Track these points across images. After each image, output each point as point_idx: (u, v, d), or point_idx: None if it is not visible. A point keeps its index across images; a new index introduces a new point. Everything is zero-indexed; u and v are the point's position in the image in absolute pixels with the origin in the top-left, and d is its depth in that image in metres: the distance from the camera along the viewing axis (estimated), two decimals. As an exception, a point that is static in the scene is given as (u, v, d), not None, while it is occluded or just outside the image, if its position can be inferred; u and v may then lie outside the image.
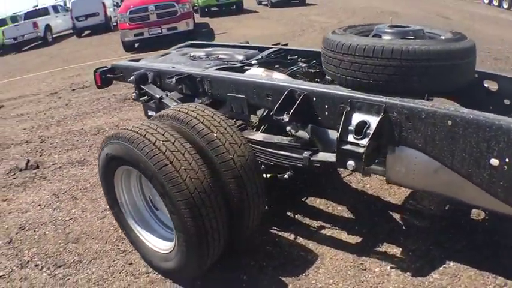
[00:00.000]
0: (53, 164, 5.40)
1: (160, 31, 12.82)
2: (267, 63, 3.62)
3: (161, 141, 2.42)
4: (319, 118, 2.62)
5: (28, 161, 5.51)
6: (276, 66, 3.74)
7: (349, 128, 2.36)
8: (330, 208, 3.51)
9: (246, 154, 2.58)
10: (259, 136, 2.89)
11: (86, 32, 21.68)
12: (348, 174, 3.94)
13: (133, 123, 2.77)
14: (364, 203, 3.55)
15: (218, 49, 4.23)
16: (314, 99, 2.60)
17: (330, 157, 2.49)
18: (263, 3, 22.04)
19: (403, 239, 3.04)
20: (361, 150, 2.26)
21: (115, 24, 18.99)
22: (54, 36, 22.11)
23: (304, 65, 3.58)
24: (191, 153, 2.42)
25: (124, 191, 3.09)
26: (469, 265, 2.74)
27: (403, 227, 3.19)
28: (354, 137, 2.32)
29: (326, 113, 2.57)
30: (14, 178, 5.16)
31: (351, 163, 2.33)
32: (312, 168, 2.67)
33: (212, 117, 2.65)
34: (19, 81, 12.00)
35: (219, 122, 2.63)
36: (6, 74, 13.98)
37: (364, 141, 2.27)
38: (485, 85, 2.94)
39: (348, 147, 2.33)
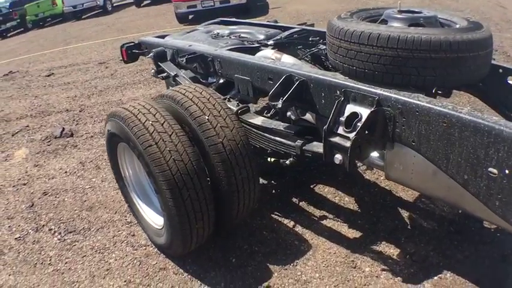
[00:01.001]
0: (86, 133, 5.59)
1: (212, 4, 12.69)
2: (283, 45, 3.52)
3: (150, 122, 2.42)
4: (317, 106, 2.50)
5: (63, 129, 5.73)
6: (299, 47, 3.64)
7: (340, 119, 2.22)
8: (337, 198, 3.41)
9: (237, 138, 2.53)
10: (258, 120, 2.81)
11: (146, 2, 22.00)
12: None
13: (133, 101, 2.78)
14: (374, 196, 3.40)
15: (243, 27, 4.16)
16: (311, 85, 2.47)
17: (320, 148, 2.37)
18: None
19: (404, 239, 2.89)
20: (348, 144, 2.12)
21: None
22: (114, 5, 22.61)
23: (324, 47, 3.43)
24: (178, 135, 2.41)
25: (127, 165, 3.17)
26: (467, 279, 2.55)
27: (408, 227, 3.02)
28: (344, 129, 2.18)
29: (322, 101, 2.44)
30: (48, 145, 5.39)
31: (338, 157, 2.20)
32: (303, 157, 2.57)
33: (208, 99, 2.61)
34: (73, 49, 12.41)
35: (214, 105, 2.58)
36: (63, 41, 14.51)
37: (352, 135, 2.12)
38: (510, 82, 2.65)
39: (336, 139, 2.19)
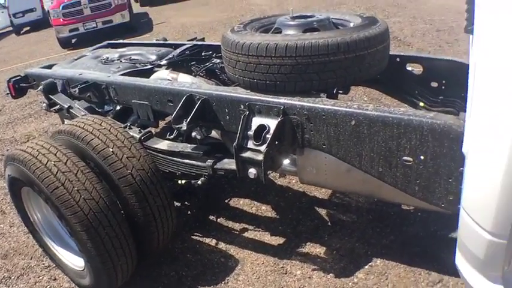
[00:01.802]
0: (-17, 178, 5.11)
1: (95, 25, 12.37)
2: (176, 63, 3.46)
3: (52, 162, 2.28)
4: (222, 123, 2.47)
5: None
6: (193, 63, 3.59)
7: (249, 133, 2.21)
8: (254, 208, 3.42)
9: (145, 167, 2.45)
10: (163, 145, 2.72)
11: (25, 29, 20.76)
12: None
13: (30, 142, 2.58)
14: (289, 199, 3.45)
15: (132, 49, 4.03)
16: (214, 103, 2.44)
17: (232, 164, 2.35)
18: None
19: (327, 236, 2.96)
20: (260, 157, 2.11)
21: (54, 18, 18.19)
22: (-8, 34, 21.12)
23: (218, 60, 3.43)
24: (84, 173, 2.29)
25: (35, 209, 2.97)
26: (399, 261, 2.64)
27: (328, 224, 3.11)
28: (254, 143, 2.18)
29: (227, 117, 2.42)
30: None
31: (252, 171, 2.19)
32: (216, 176, 2.54)
33: (109, 130, 2.51)
34: (-49, 88, 11.33)
35: (116, 135, 2.48)
36: None
37: (263, 148, 2.12)
38: (409, 69, 2.78)
39: (247, 154, 2.18)
